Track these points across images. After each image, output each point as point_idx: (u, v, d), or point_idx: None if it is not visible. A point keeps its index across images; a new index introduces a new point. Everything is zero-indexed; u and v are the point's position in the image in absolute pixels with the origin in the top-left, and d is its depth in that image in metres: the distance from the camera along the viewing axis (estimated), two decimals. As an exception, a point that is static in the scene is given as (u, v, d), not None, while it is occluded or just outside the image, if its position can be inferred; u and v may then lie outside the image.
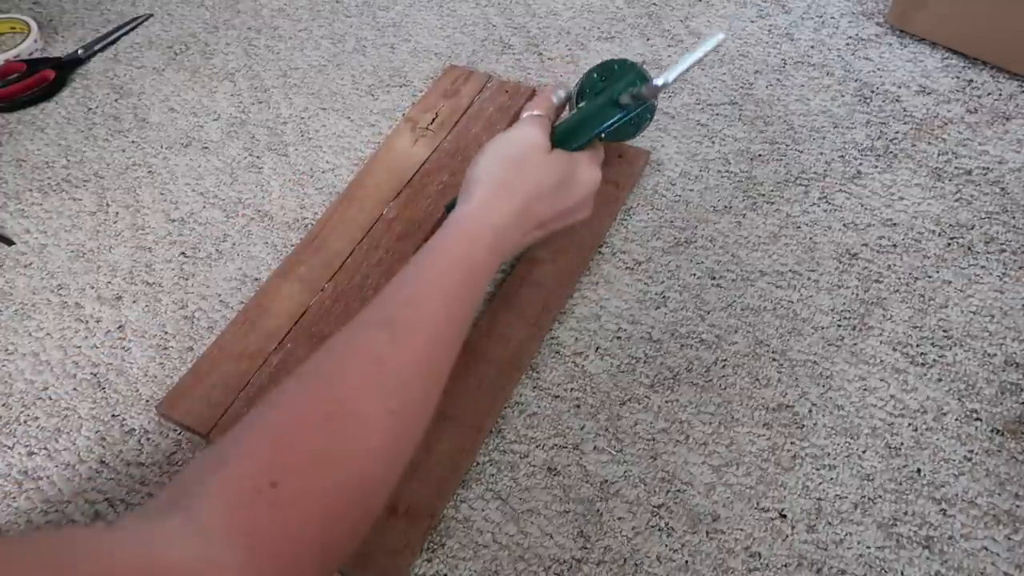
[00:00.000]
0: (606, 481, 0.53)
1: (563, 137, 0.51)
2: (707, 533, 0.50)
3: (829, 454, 0.53)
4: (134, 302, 0.66)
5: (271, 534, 0.31)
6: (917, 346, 0.58)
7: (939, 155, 0.71)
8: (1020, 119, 0.73)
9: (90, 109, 0.83)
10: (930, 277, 0.62)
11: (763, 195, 0.69)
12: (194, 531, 0.30)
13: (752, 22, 0.86)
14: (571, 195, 0.49)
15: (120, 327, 0.64)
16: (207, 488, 0.32)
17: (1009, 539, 0.49)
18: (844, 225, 0.66)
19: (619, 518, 0.51)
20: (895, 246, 0.64)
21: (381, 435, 0.36)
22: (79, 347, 0.63)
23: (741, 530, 0.50)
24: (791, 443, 0.54)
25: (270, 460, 0.33)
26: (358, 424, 0.35)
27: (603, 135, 0.52)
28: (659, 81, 0.47)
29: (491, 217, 0.45)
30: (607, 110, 0.51)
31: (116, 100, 0.84)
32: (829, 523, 0.50)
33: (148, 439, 0.57)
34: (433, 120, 0.76)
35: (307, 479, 0.33)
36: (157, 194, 0.74)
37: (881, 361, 0.57)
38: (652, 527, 0.51)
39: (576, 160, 0.49)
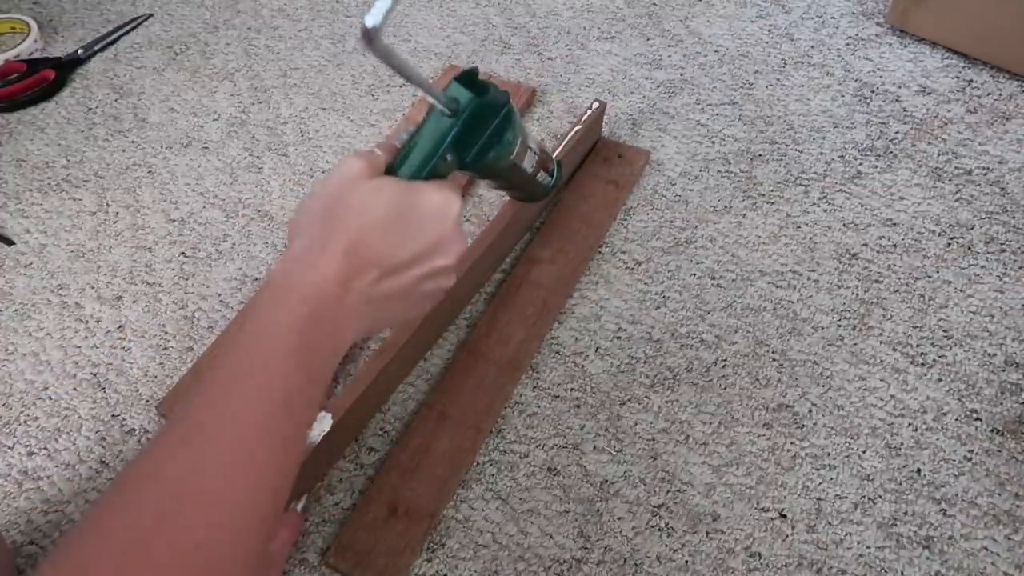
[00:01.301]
0: (606, 481, 0.53)
1: (400, 165, 0.42)
2: (707, 533, 0.50)
3: (829, 454, 0.53)
4: (134, 302, 0.66)
5: None
6: (917, 346, 0.58)
7: (939, 155, 0.71)
8: (1020, 119, 0.73)
9: (90, 109, 0.83)
10: (930, 277, 0.62)
11: (763, 195, 0.69)
12: None
13: (752, 22, 0.86)
14: (421, 227, 0.40)
15: (120, 327, 0.64)
16: None
17: (1009, 539, 0.49)
18: (844, 225, 0.66)
19: (619, 518, 0.51)
20: (895, 246, 0.64)
21: (188, 572, 0.32)
22: (79, 347, 0.63)
23: (741, 530, 0.50)
24: (791, 443, 0.54)
25: None
26: (155, 567, 0.31)
27: (460, 161, 0.43)
28: (368, 22, 0.37)
29: (306, 272, 0.37)
30: (439, 122, 0.43)
31: (116, 100, 0.84)
32: (829, 523, 0.50)
33: (148, 439, 0.57)
34: (433, 120, 0.75)
35: None
36: (157, 194, 0.74)
37: (881, 361, 0.57)
38: (652, 527, 0.51)
39: (415, 185, 0.41)
